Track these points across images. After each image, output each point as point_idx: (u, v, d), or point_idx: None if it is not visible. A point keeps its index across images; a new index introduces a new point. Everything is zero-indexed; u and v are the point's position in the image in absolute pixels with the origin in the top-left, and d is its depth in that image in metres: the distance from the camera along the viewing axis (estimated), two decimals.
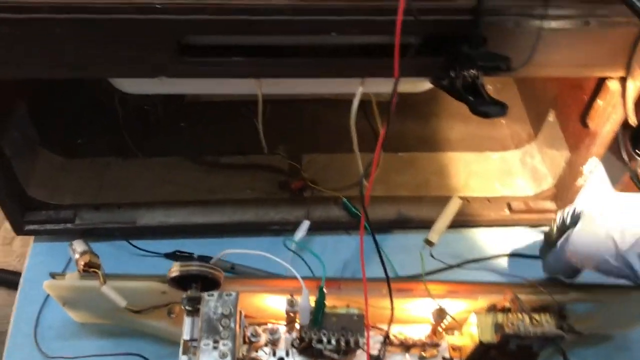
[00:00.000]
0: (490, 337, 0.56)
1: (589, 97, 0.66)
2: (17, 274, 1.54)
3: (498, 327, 0.56)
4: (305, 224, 0.74)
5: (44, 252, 0.75)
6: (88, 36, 0.51)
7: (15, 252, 1.62)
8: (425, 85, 0.67)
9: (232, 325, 0.54)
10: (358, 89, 0.60)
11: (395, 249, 0.73)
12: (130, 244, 0.74)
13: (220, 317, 0.54)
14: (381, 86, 0.65)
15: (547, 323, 0.54)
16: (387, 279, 0.55)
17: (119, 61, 0.53)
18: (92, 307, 0.63)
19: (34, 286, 0.71)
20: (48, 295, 0.70)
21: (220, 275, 0.57)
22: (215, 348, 0.53)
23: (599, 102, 0.64)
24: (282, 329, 0.62)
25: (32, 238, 0.77)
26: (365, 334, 0.55)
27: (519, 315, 0.55)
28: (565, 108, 0.72)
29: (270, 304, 0.62)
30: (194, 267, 0.56)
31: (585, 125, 0.67)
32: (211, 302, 0.55)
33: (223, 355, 0.52)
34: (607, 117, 0.63)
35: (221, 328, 0.54)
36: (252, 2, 0.49)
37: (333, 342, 0.56)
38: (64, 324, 0.68)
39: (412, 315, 0.63)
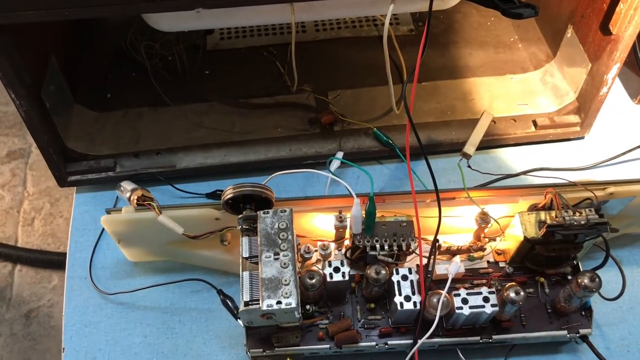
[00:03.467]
0: (534, 232, 0.58)
1: (609, 4, 0.68)
2: (42, 252, 1.58)
3: (542, 223, 0.58)
4: (339, 155, 0.76)
5: (88, 202, 0.77)
6: None
7: (37, 232, 1.64)
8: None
9: (290, 237, 0.56)
10: (389, 7, 0.62)
11: (428, 173, 0.76)
12: (173, 186, 0.76)
13: (277, 232, 0.56)
14: (412, 4, 0.67)
15: (589, 214, 0.57)
16: (435, 182, 0.57)
17: None
18: (147, 241, 0.66)
19: (83, 233, 0.74)
20: (98, 240, 0.73)
21: (272, 195, 0.59)
22: (276, 259, 0.55)
23: (621, 6, 0.65)
24: (333, 245, 0.64)
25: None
26: (417, 236, 0.58)
27: (561, 210, 0.58)
28: (584, 20, 0.74)
29: (318, 224, 0.64)
30: (247, 188, 0.58)
31: (606, 32, 0.69)
32: (267, 218, 0.57)
33: (284, 265, 0.55)
34: (630, 20, 0.65)
35: (280, 241, 0.56)
36: None
37: (386, 247, 0.58)
38: (117, 265, 0.71)
39: (455, 226, 0.65)
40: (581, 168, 0.78)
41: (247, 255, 0.58)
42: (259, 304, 0.53)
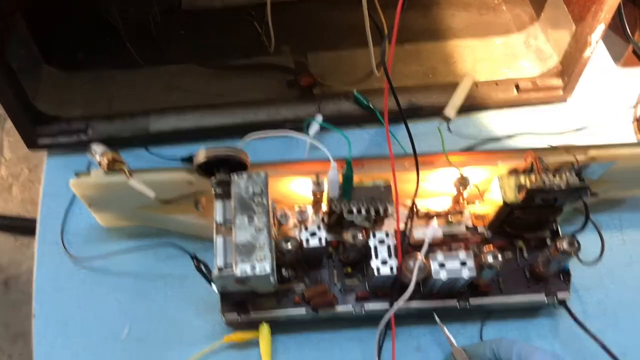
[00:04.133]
0: (514, 196, 0.57)
1: None
2: (20, 219, 1.55)
3: (521, 187, 0.57)
4: (319, 118, 0.74)
5: (60, 166, 0.74)
6: None
7: (15, 199, 1.62)
8: None
9: (265, 201, 0.55)
10: None
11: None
12: (147, 150, 0.74)
13: (252, 195, 0.55)
14: None
15: (570, 177, 0.56)
16: (413, 146, 0.56)
17: None
18: (119, 206, 0.64)
19: (54, 199, 0.72)
20: (70, 206, 0.71)
21: (247, 158, 0.58)
22: (250, 224, 0.54)
23: None
24: (310, 210, 0.63)
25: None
26: (394, 200, 0.57)
27: (541, 174, 0.57)
28: None
29: (295, 189, 0.63)
30: (221, 151, 0.56)
31: None
32: (241, 182, 0.56)
33: (259, 230, 0.54)
34: None
35: (254, 205, 0.55)
36: None
37: (363, 212, 0.57)
38: (90, 230, 0.69)
39: (434, 191, 0.64)
40: (563, 132, 0.77)
41: (221, 220, 0.57)
42: (232, 269, 0.52)
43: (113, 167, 0.60)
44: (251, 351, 0.62)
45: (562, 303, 0.61)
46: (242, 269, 0.52)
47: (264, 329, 0.60)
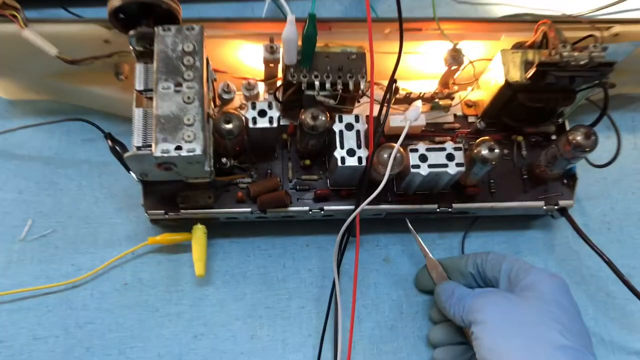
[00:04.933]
0: (518, 75, 0.45)
1: None
2: None
3: (529, 64, 0.45)
4: None
5: None
6: None
7: None
8: None
9: (199, 64, 0.42)
10: None
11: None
12: (66, 10, 0.59)
13: (181, 55, 0.42)
14: None
15: (594, 51, 0.43)
16: (399, 7, 0.42)
17: None
18: (20, 70, 0.51)
19: None
20: None
21: (178, 8, 0.44)
22: (177, 92, 0.41)
23: None
24: (261, 86, 0.50)
25: None
26: (369, 72, 0.44)
27: (558, 46, 0.44)
28: None
29: (244, 58, 0.50)
30: None
31: None
32: (167, 37, 0.42)
33: (188, 100, 0.41)
34: None
35: (183, 68, 0.42)
36: None
37: (328, 85, 0.44)
38: None
39: (418, 70, 0.52)
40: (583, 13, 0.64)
41: (142, 88, 0.43)
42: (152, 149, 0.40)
43: (3, 12, 0.45)
44: (182, 257, 0.51)
45: (564, 212, 0.51)
46: (162, 148, 0.39)
47: (198, 231, 0.49)
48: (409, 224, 0.51)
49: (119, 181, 0.53)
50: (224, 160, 0.47)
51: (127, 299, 0.49)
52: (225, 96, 0.49)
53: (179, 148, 0.40)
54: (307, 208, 0.48)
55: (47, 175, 0.53)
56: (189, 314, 0.49)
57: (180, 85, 0.41)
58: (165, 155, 0.39)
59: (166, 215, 0.48)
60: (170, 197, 0.47)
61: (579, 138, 0.44)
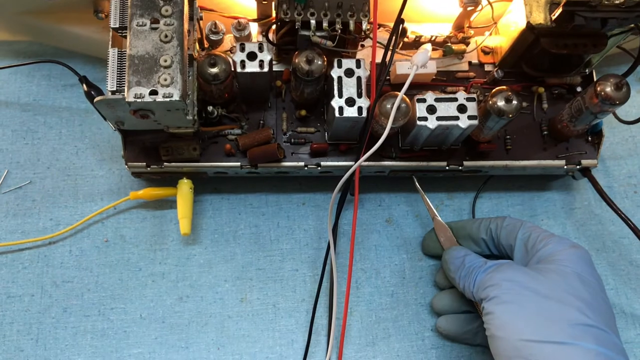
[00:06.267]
0: (542, 17, 0.40)
1: None
2: None
3: (554, 5, 0.40)
4: None
5: None
6: None
7: None
8: None
9: None
10: None
11: None
12: None
13: None
14: None
15: None
16: None
17: None
18: None
19: None
20: None
21: None
22: (154, 29, 0.36)
23: None
24: (254, 26, 0.45)
25: None
26: (372, 11, 0.39)
27: None
28: None
29: None
30: None
31: None
32: None
33: (166, 39, 0.36)
34: None
35: (161, 2, 0.37)
36: None
37: (325, 24, 0.39)
38: None
39: (430, 10, 0.46)
40: None
41: (118, 25, 0.39)
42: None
43: None
44: (168, 213, 0.47)
45: (586, 172, 0.46)
46: (135, 92, 0.35)
47: (184, 186, 0.45)
48: (416, 183, 0.46)
49: (102, 130, 0.49)
50: (210, 108, 0.43)
51: (107, 256, 0.46)
52: (213, 37, 0.44)
53: (154, 93, 0.35)
54: (302, 163, 0.44)
55: (24, 123, 0.49)
56: (174, 275, 0.46)
57: (157, 21, 0.37)
58: (138, 100, 0.35)
59: (148, 168, 0.44)
60: (153, 149, 0.43)
61: (608, 89, 0.39)
